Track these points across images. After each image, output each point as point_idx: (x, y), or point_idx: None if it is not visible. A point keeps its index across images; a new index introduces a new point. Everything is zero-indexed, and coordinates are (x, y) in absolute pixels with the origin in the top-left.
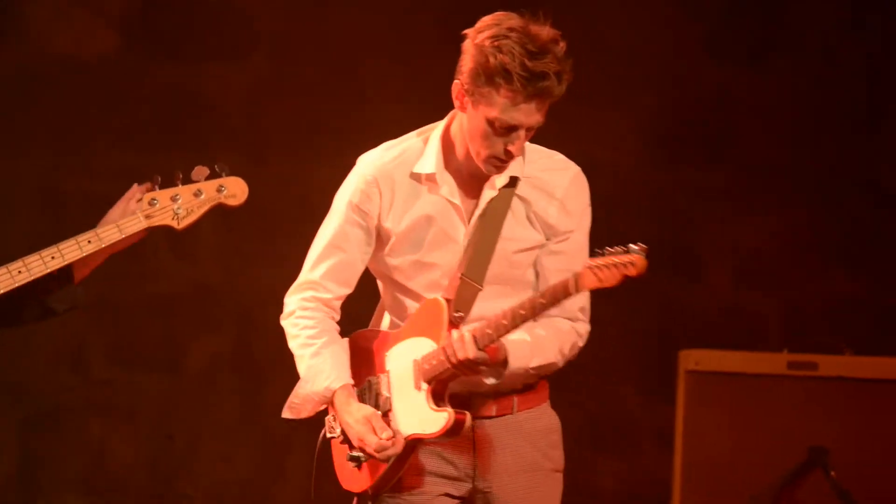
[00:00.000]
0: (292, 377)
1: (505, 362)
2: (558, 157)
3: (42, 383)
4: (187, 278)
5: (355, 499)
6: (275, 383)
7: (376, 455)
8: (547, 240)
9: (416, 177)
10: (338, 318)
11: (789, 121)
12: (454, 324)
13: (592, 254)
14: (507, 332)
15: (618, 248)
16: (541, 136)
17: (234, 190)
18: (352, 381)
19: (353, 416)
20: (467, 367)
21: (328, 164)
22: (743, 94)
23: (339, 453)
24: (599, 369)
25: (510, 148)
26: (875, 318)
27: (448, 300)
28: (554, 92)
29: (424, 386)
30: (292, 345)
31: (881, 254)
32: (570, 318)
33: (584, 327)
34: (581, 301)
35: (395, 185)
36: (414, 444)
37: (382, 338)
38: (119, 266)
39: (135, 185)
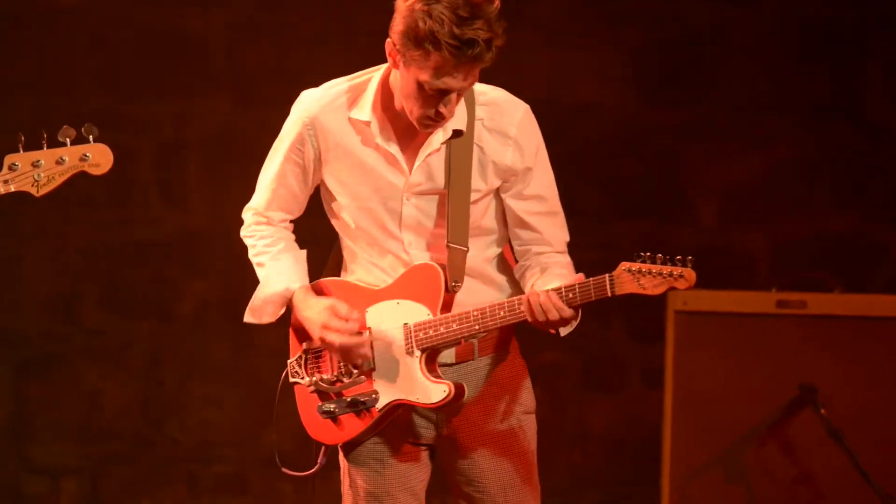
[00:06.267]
0: (282, 321)
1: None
2: (505, 96)
3: (35, 331)
4: (176, 224)
5: (323, 448)
6: (265, 328)
7: (337, 341)
8: (505, 182)
9: (353, 122)
10: (291, 233)
11: (775, 55)
12: (451, 292)
13: (632, 257)
14: (581, 303)
15: (659, 256)
16: (528, 76)
17: (98, 159)
18: (309, 284)
19: (314, 309)
20: (559, 324)
21: None
22: (730, 30)
23: (308, 403)
24: (590, 311)
25: (442, 110)
26: (863, 253)
27: (443, 266)
28: (484, 59)
29: (418, 353)
30: (251, 254)
31: (869, 188)
32: (561, 252)
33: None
34: (566, 235)
35: (331, 128)
36: (398, 408)
37: (355, 291)
38: (108, 214)
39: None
